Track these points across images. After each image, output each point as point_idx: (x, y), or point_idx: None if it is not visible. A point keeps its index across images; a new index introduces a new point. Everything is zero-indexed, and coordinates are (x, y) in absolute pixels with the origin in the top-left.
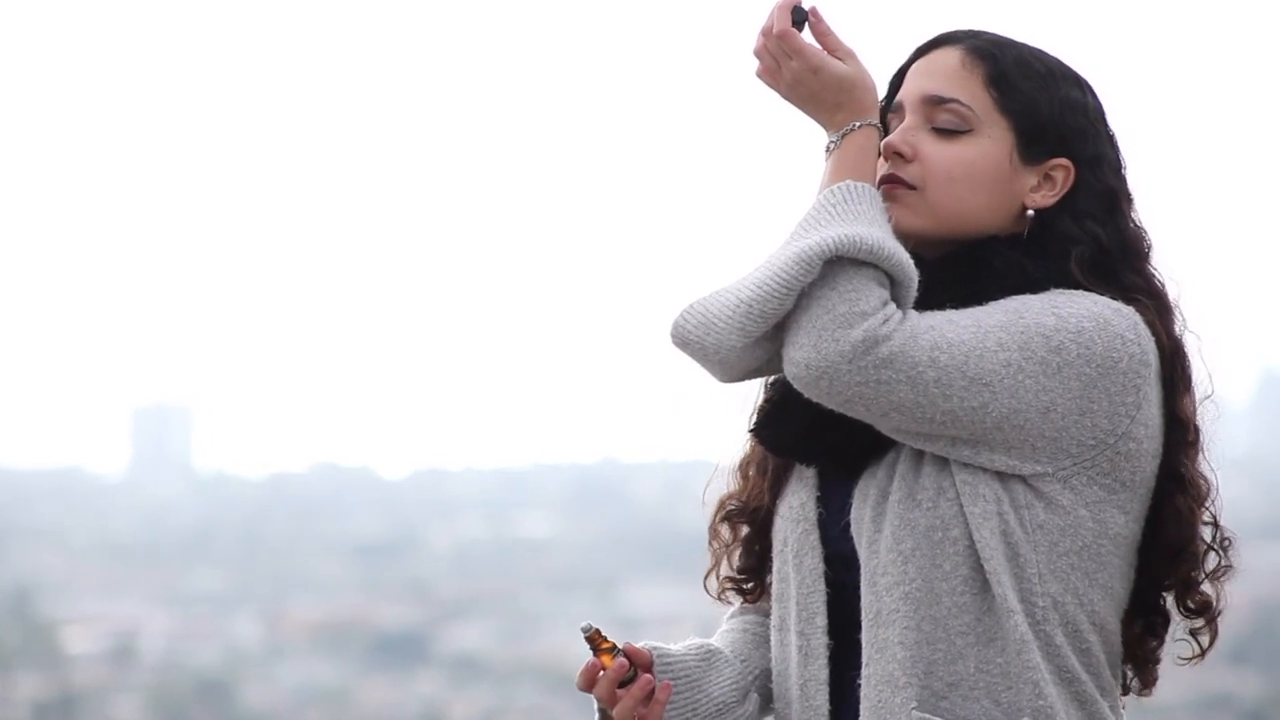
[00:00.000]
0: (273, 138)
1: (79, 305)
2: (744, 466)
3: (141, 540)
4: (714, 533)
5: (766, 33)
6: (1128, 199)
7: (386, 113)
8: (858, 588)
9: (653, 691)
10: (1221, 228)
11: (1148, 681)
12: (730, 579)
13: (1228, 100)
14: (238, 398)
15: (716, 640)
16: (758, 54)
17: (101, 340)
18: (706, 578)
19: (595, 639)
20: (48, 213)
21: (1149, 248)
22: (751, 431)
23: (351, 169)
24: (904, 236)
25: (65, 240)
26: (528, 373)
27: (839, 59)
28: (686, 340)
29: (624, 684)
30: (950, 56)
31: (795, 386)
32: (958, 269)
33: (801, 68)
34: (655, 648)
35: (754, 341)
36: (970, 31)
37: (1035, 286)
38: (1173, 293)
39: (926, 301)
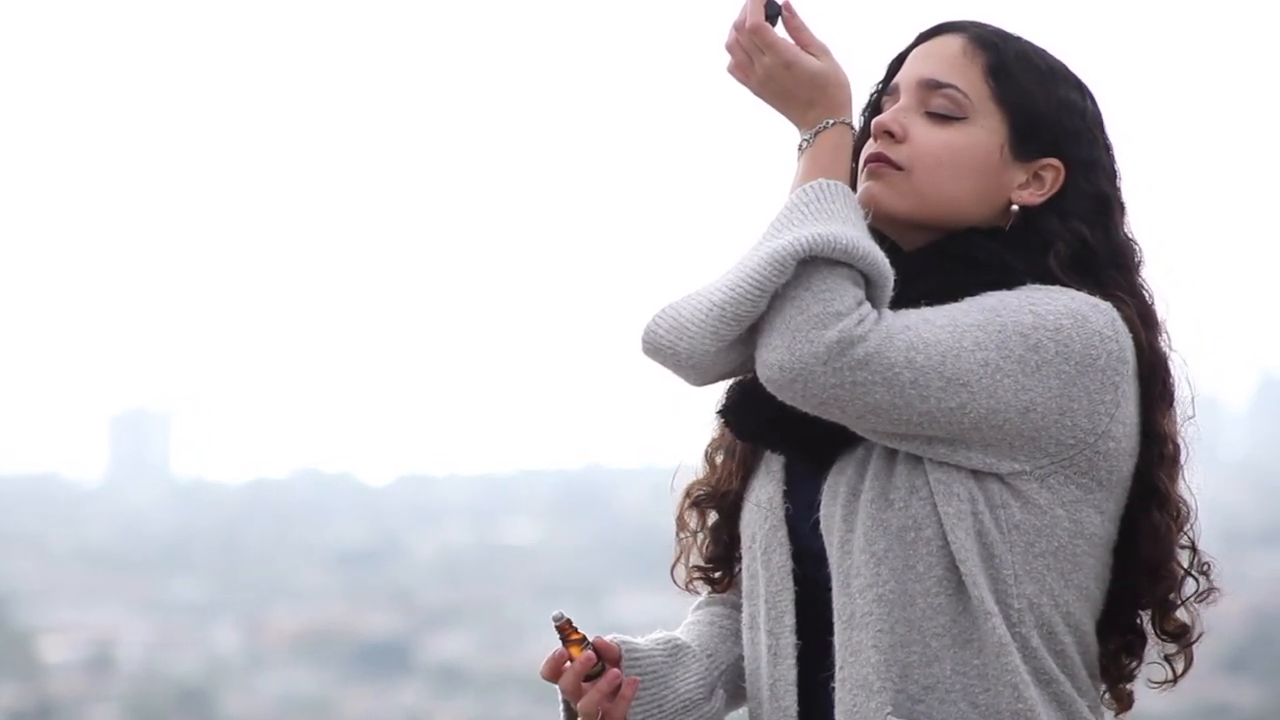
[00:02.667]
0: (252, 143)
1: (56, 309)
2: (711, 452)
3: (119, 548)
4: (681, 522)
5: (739, 27)
6: (1120, 208)
7: (370, 118)
8: (829, 585)
9: (619, 687)
10: (1220, 230)
11: (1121, 699)
12: (698, 568)
13: (1227, 101)
14: (217, 403)
15: (682, 633)
16: (729, 49)
17: (79, 345)
18: (674, 567)
19: (565, 629)
20: (24, 218)
21: (1138, 261)
22: (719, 414)
23: (333, 174)
24: (883, 217)
25: (42, 244)
26: (512, 377)
27: (812, 55)
28: (658, 346)
29: (590, 678)
30: (952, 43)
31: (769, 389)
32: (937, 260)
33: (774, 63)
34: (624, 642)
35: (728, 345)
36: (975, 21)
37: (1015, 280)
38: (1160, 310)
39: (904, 293)
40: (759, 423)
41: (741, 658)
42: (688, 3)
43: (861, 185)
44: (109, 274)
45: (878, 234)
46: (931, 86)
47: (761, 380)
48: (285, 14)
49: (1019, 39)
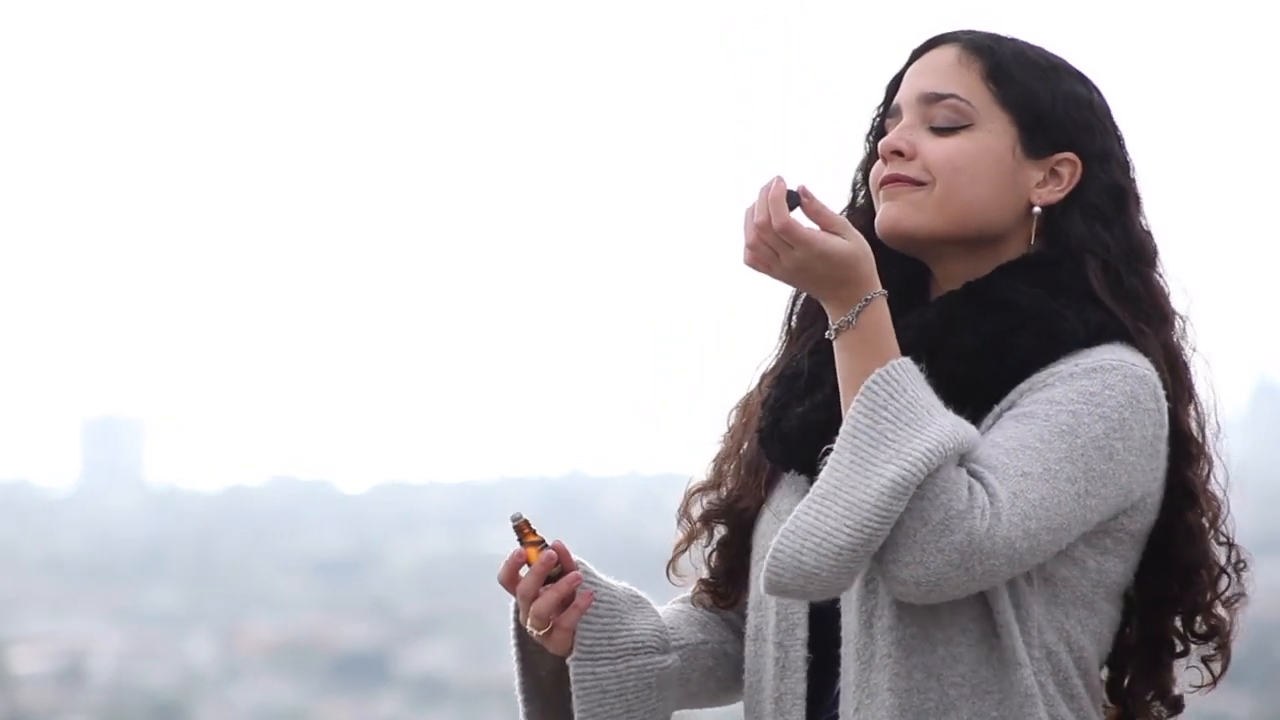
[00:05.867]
0: (229, 149)
1: (27, 314)
2: (725, 464)
3: (92, 557)
4: (684, 527)
5: (763, 226)
6: (1135, 199)
7: (352, 127)
8: (837, 605)
9: (573, 597)
10: (1216, 232)
11: (1172, 705)
12: (705, 583)
13: (1223, 105)
14: (191, 409)
15: None
16: (752, 247)
17: (50, 350)
18: (669, 565)
19: (523, 529)
20: None
21: (1155, 252)
22: (761, 443)
23: (310, 177)
24: (907, 238)
25: (14, 249)
26: (493, 383)
27: (836, 233)
28: (787, 591)
29: (548, 582)
30: (947, 54)
31: (901, 600)
32: (978, 307)
33: (806, 255)
34: (583, 564)
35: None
36: (968, 30)
37: (1065, 331)
38: (1181, 304)
39: (945, 343)
40: (803, 454)
41: (702, 644)
42: (686, 4)
43: (880, 209)
44: (81, 278)
45: (902, 258)
46: (931, 99)
47: (891, 593)
48: (272, 16)
49: (1014, 40)
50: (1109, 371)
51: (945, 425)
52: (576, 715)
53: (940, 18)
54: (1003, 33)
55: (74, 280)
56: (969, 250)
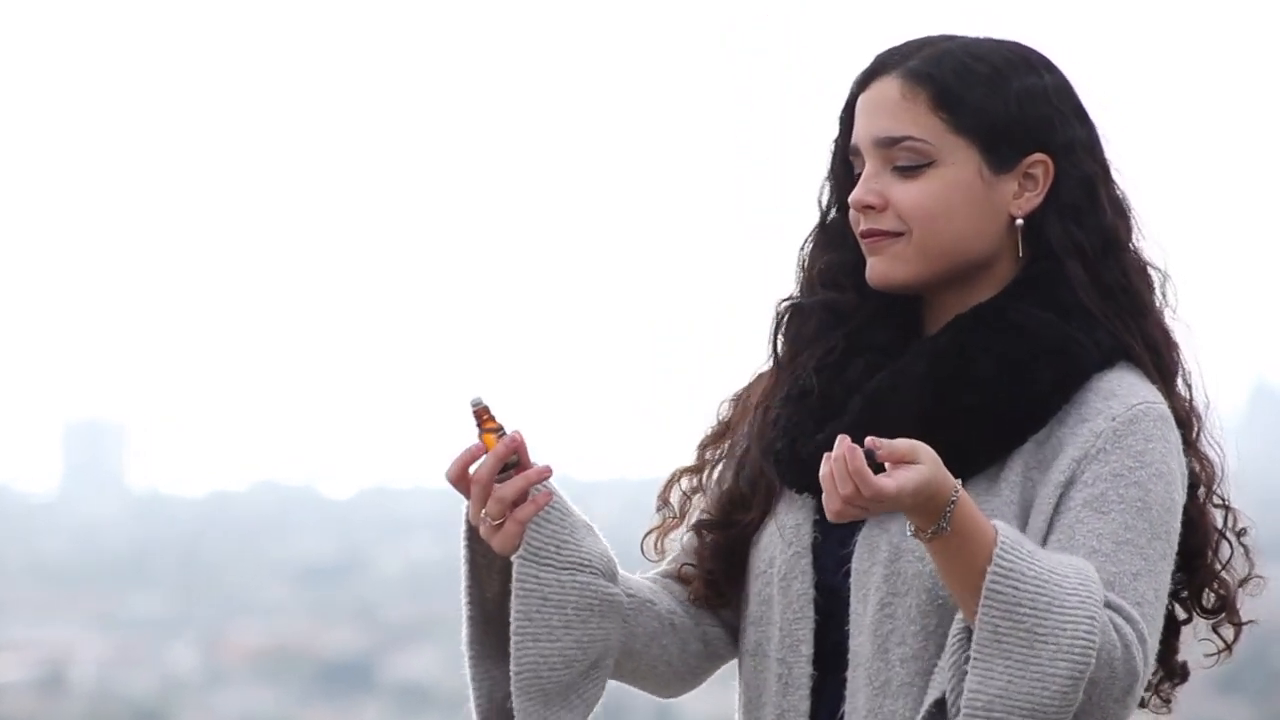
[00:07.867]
0: (212, 152)
1: (8, 317)
2: (707, 445)
3: (73, 562)
4: (663, 523)
5: (850, 500)
6: (1104, 177)
7: (341, 123)
8: (841, 622)
9: (527, 493)
10: (1214, 236)
11: (1180, 674)
12: (702, 580)
13: (1221, 107)
14: (174, 412)
15: None
16: (840, 513)
17: (31, 353)
18: (644, 539)
19: (481, 415)
20: None
21: (1128, 228)
22: (775, 463)
23: (293, 178)
24: (900, 288)
25: None
26: (483, 386)
27: (910, 462)
28: None
29: (504, 471)
30: (889, 88)
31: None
32: (985, 333)
33: (896, 502)
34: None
35: None
36: (904, 51)
37: (1083, 357)
38: (1160, 260)
39: (961, 366)
40: (817, 479)
41: (650, 604)
42: (686, 4)
43: (867, 262)
44: (63, 282)
45: (900, 300)
46: (888, 144)
47: None
48: (264, 15)
49: (952, 52)
50: (1141, 419)
51: (1076, 587)
52: (513, 617)
53: (939, 17)
54: (941, 41)
55: (56, 284)
56: (962, 280)
